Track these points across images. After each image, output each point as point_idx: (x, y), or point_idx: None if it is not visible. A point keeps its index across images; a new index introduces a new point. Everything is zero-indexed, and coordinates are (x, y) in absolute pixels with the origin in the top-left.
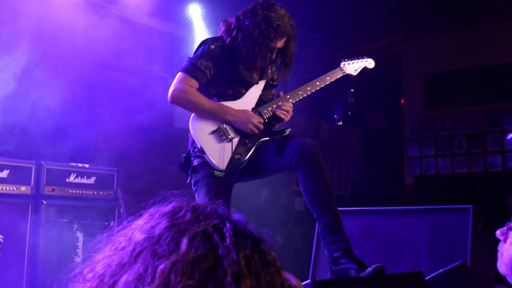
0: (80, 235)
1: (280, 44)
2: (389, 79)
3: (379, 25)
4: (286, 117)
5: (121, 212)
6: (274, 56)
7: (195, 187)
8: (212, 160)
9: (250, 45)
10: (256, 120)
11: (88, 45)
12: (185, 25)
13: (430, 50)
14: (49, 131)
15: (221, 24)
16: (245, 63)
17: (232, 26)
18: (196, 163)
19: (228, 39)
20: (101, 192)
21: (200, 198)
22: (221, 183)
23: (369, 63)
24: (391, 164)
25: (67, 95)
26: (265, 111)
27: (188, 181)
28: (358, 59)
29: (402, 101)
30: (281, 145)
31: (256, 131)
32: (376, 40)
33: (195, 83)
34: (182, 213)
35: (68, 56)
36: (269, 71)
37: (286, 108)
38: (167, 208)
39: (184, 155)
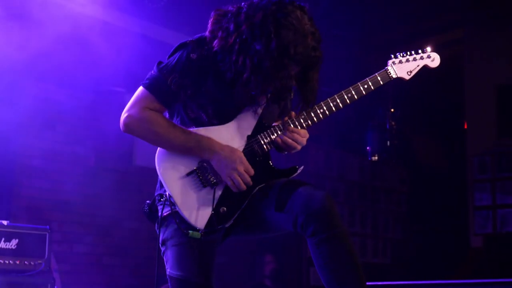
0: None
1: (294, 72)
2: (446, 93)
3: (431, 16)
4: (295, 147)
5: None
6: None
7: (163, 248)
8: (186, 215)
9: (262, 80)
10: (243, 167)
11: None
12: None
13: (506, 51)
14: None
15: (212, 16)
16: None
17: (230, 40)
18: (166, 213)
19: (223, 56)
20: (26, 262)
21: (169, 264)
22: (200, 244)
23: (432, 59)
24: (449, 218)
25: None
26: (266, 140)
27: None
28: (415, 54)
29: (465, 126)
30: (282, 196)
31: (240, 186)
32: (427, 37)
33: (160, 107)
34: None
35: None
36: None
37: (293, 135)
38: None
39: (148, 201)
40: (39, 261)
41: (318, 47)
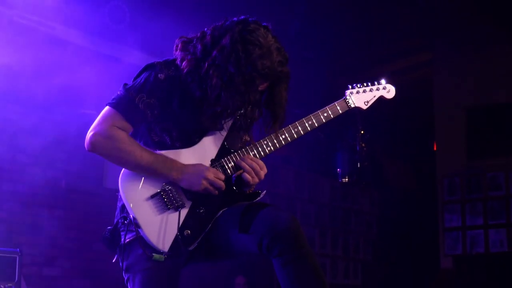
0: None
1: (262, 87)
2: (416, 115)
3: (400, 39)
4: (252, 178)
5: None
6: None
7: (127, 275)
8: (150, 238)
9: (232, 96)
10: (212, 174)
11: None
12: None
13: (475, 74)
14: None
15: (178, 43)
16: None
17: (205, 64)
18: (128, 239)
19: (192, 77)
20: None
21: None
22: (164, 269)
23: (388, 90)
24: (419, 239)
25: None
26: (230, 164)
27: (114, 259)
28: (372, 85)
29: (435, 148)
30: (246, 218)
31: (214, 191)
32: (395, 60)
33: (127, 126)
34: None
35: None
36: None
37: (250, 162)
38: None
39: (109, 227)
40: (9, 284)
41: (285, 63)
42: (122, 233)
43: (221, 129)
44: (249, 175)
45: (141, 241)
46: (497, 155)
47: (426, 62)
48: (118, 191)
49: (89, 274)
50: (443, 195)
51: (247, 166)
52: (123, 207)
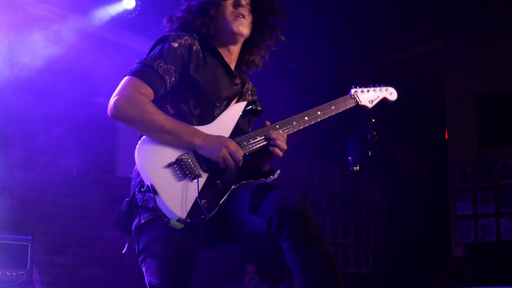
0: None
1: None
2: (427, 104)
3: (411, 27)
4: (281, 150)
5: None
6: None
7: (142, 255)
8: (168, 204)
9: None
10: (233, 146)
11: None
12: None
13: (486, 62)
14: None
15: (164, 21)
16: (222, 63)
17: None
18: (144, 220)
19: (181, 17)
20: (8, 272)
21: (151, 271)
22: (180, 250)
23: (390, 93)
24: (431, 228)
25: None
26: (245, 143)
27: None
28: (375, 87)
29: (446, 136)
30: (255, 198)
31: (232, 162)
32: (406, 48)
33: (149, 92)
34: None
35: None
36: (243, 88)
37: (278, 137)
38: None
39: (127, 199)
40: (21, 272)
41: None
42: (139, 208)
43: (236, 92)
44: (279, 148)
45: (157, 211)
46: (509, 143)
47: (437, 50)
48: (134, 164)
49: (100, 262)
50: (454, 184)
51: (275, 142)
52: (141, 182)
